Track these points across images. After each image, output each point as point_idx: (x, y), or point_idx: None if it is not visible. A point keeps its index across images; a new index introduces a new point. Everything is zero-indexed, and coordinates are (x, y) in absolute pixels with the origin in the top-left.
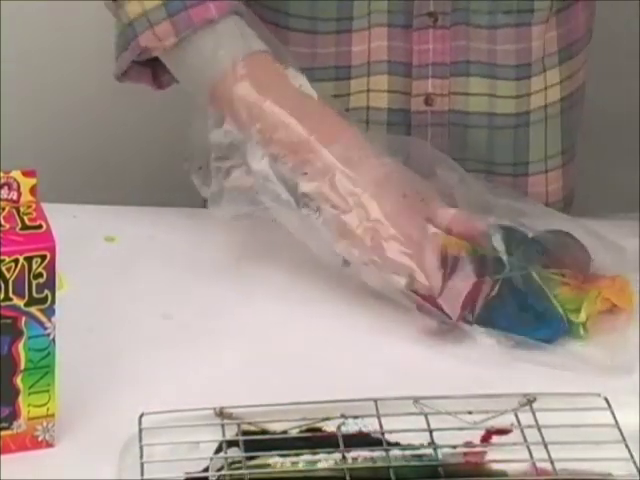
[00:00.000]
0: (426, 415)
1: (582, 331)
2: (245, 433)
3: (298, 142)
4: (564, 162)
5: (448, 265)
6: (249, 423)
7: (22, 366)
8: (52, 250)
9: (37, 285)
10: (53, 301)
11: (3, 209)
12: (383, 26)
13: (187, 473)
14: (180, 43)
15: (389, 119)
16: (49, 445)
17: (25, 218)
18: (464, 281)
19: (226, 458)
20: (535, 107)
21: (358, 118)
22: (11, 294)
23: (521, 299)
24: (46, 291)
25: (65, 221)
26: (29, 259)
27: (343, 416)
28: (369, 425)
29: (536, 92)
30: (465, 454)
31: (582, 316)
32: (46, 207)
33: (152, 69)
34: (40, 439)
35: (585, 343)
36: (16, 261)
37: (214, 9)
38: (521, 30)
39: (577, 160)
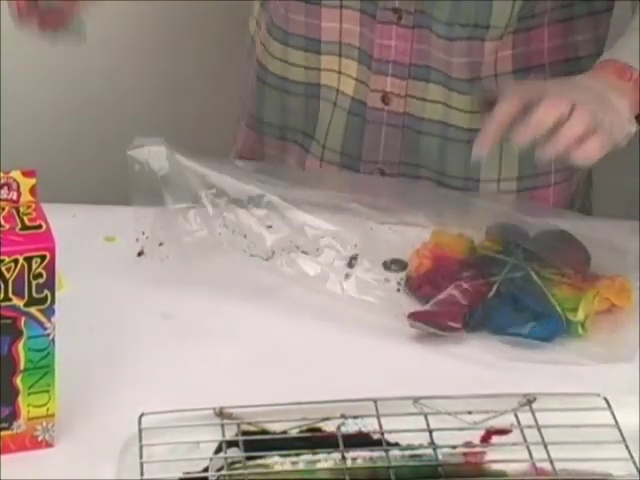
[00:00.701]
0: (426, 415)
1: (580, 330)
2: (245, 433)
3: None
4: (519, 189)
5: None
6: (249, 423)
7: (22, 366)
8: (52, 250)
9: (37, 285)
10: (53, 301)
11: (3, 209)
12: (356, 10)
13: (185, 473)
14: None
15: (351, 108)
16: (49, 445)
17: (25, 218)
18: (461, 287)
19: (226, 458)
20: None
21: (327, 98)
22: (11, 294)
23: (519, 298)
24: (46, 291)
25: (65, 221)
26: (29, 259)
27: (343, 416)
28: (369, 425)
29: None
30: (465, 454)
31: (580, 315)
32: (46, 207)
33: None
34: (40, 439)
35: (583, 340)
36: (16, 261)
37: None
38: (474, 44)
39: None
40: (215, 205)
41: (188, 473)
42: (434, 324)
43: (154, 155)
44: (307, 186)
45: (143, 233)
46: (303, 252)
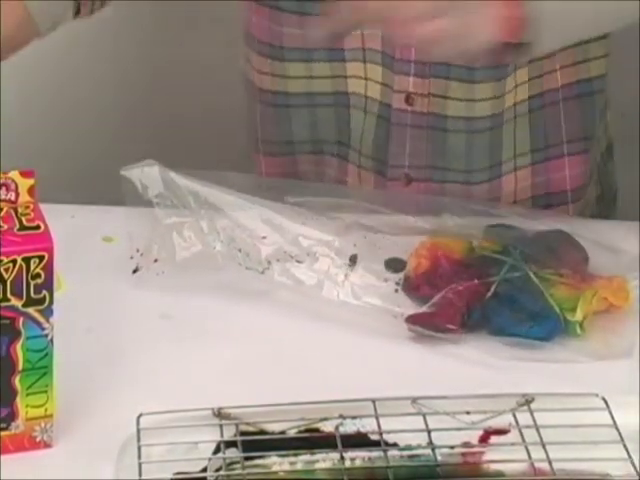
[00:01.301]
0: (424, 415)
1: (579, 329)
2: (243, 433)
3: None
4: (533, 161)
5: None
6: (247, 423)
7: (20, 367)
8: (50, 251)
9: (35, 286)
10: (51, 302)
11: (1, 210)
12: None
13: (176, 473)
14: None
15: (379, 112)
16: (47, 446)
17: (23, 218)
18: (459, 287)
19: (224, 459)
20: (507, 106)
21: (356, 105)
22: (9, 295)
23: (517, 299)
24: (44, 292)
25: (63, 221)
26: (27, 259)
27: (341, 416)
28: (367, 425)
29: (509, 91)
30: (463, 454)
31: (578, 315)
32: (44, 207)
33: None
34: (38, 440)
35: (582, 339)
36: (14, 262)
37: None
38: None
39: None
40: (209, 220)
41: (179, 473)
42: (432, 326)
43: (147, 174)
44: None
45: (137, 250)
46: (298, 261)
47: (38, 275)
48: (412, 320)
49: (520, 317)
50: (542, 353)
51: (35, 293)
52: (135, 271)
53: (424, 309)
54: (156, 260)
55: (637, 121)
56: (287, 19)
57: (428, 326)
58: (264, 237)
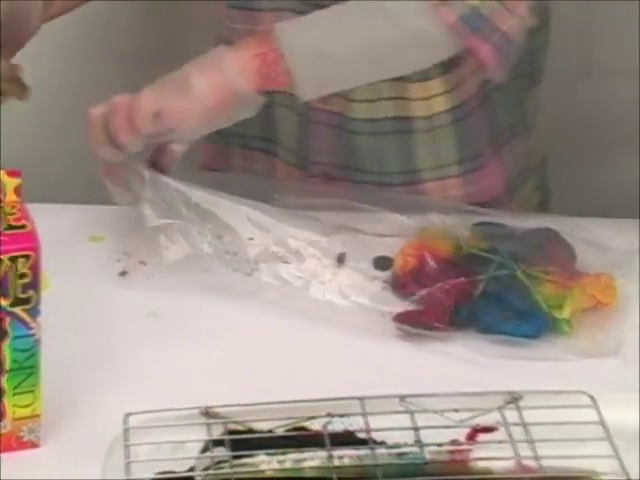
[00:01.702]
0: (412, 413)
1: (566, 327)
2: (231, 432)
3: None
4: (463, 171)
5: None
6: (235, 422)
7: (7, 367)
8: (36, 250)
9: (22, 285)
10: (38, 301)
11: None
12: (290, 11)
13: (157, 473)
14: None
15: (302, 110)
16: (34, 446)
17: (9, 218)
18: (447, 285)
19: (212, 457)
20: (419, 115)
21: (281, 102)
22: None
23: (505, 297)
24: (31, 291)
25: (50, 221)
26: (13, 259)
27: (329, 415)
28: (355, 424)
29: (418, 99)
30: (451, 452)
31: (566, 312)
32: (31, 207)
33: None
34: (25, 440)
35: (569, 337)
36: (0, 261)
37: None
38: None
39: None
40: (196, 222)
41: (161, 473)
42: (420, 324)
43: (133, 175)
44: (292, 196)
45: (124, 253)
46: (285, 262)
47: (25, 275)
48: (400, 319)
49: (508, 315)
50: (530, 351)
51: (22, 293)
52: (123, 273)
53: (411, 307)
54: (143, 263)
55: (622, 123)
56: (236, 15)
57: (416, 324)
58: (251, 238)
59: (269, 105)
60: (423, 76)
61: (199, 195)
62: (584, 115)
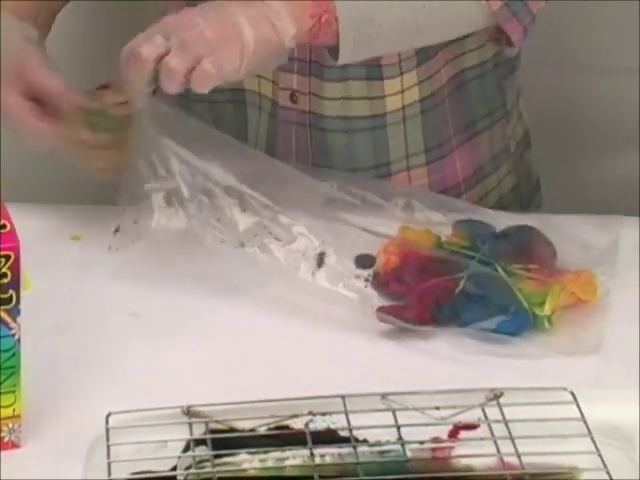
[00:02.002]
0: (394, 411)
1: (547, 324)
2: (213, 431)
3: None
4: (427, 160)
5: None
6: (217, 421)
7: None
8: (16, 250)
9: (1, 285)
10: (18, 301)
11: None
12: None
13: (132, 473)
14: None
15: (271, 110)
16: (15, 446)
17: None
18: (428, 283)
19: (194, 457)
20: (392, 109)
21: (252, 102)
22: None
23: (486, 294)
24: (11, 291)
25: (31, 221)
26: None
27: (311, 413)
28: (337, 422)
29: (393, 94)
30: (433, 450)
31: (546, 309)
32: (11, 207)
33: None
34: (6, 440)
35: (550, 334)
36: None
37: None
38: None
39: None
40: (190, 186)
41: (136, 473)
42: (403, 318)
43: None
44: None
45: (122, 209)
46: (276, 238)
47: (4, 275)
48: (384, 311)
49: (489, 312)
50: (510, 348)
51: (2, 293)
52: (116, 231)
53: (395, 303)
54: (136, 221)
55: (606, 120)
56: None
57: (399, 317)
58: (244, 210)
59: (240, 105)
60: (398, 71)
61: (196, 161)
62: (583, 113)
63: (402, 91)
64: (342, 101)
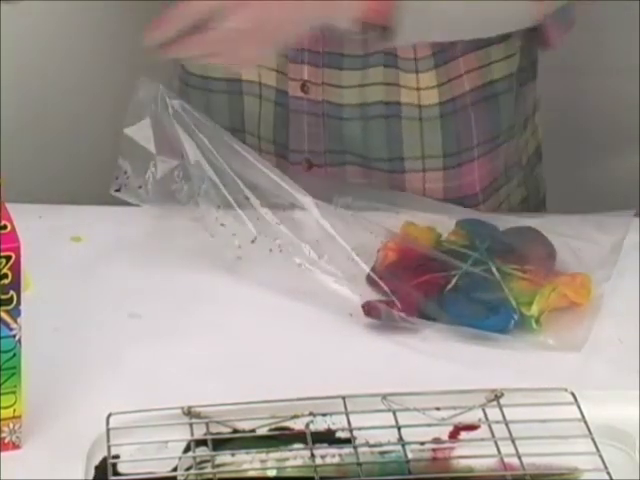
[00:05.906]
0: (394, 412)
1: (534, 324)
2: (213, 432)
3: None
4: (445, 166)
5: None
6: (217, 422)
7: None
8: (17, 251)
9: (2, 286)
10: (19, 302)
11: None
12: None
13: (132, 474)
14: None
15: (276, 99)
16: (16, 447)
17: None
18: (420, 279)
19: (194, 457)
20: (406, 102)
21: (250, 92)
22: None
23: (475, 291)
24: (11, 292)
25: (31, 221)
26: None
27: (311, 414)
28: (337, 423)
29: (406, 87)
30: (433, 450)
31: (534, 309)
32: (11, 207)
33: None
34: (7, 441)
35: (537, 333)
36: None
37: None
38: None
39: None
40: (201, 171)
41: (136, 474)
42: (388, 314)
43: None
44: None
45: (125, 172)
46: (277, 223)
47: (5, 275)
48: (368, 306)
49: (476, 309)
50: (503, 346)
51: (2, 293)
52: (117, 190)
53: (382, 298)
54: (140, 187)
55: (607, 120)
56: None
57: (384, 313)
58: (247, 198)
59: (236, 95)
60: (414, 67)
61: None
62: (583, 113)
63: (417, 89)
64: (359, 88)
